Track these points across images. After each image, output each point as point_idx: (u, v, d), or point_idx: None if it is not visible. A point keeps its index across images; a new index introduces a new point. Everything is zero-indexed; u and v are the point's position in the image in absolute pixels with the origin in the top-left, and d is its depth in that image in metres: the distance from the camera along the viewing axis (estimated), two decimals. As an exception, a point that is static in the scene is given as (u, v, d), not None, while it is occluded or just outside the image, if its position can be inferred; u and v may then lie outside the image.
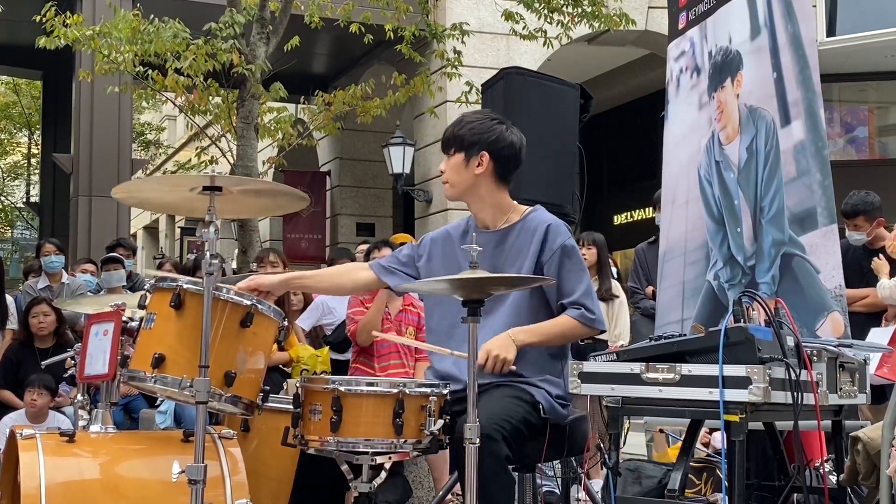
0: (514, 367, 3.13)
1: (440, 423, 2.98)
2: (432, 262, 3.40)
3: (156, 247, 27.17)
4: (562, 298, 3.23)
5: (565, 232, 3.30)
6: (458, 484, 3.88)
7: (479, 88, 6.30)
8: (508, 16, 10.02)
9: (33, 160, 24.10)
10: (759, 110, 4.49)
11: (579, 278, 3.23)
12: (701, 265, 4.85)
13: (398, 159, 12.77)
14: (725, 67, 4.73)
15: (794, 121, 4.29)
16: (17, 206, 27.46)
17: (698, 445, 4.31)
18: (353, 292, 5.10)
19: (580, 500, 4.53)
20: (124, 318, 3.43)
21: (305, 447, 3.03)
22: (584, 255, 6.61)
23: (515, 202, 3.39)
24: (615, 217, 16.30)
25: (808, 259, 4.21)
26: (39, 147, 19.83)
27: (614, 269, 7.24)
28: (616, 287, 6.77)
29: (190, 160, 21.77)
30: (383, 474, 3.10)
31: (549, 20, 9.94)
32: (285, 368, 6.07)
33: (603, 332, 3.35)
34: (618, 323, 6.65)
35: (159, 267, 8.57)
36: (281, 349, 6.08)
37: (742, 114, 4.60)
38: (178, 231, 24.91)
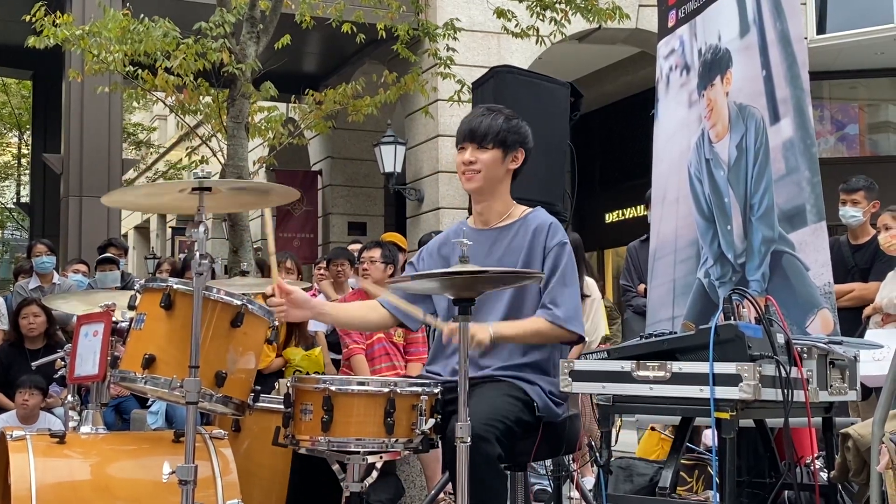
0: (485, 347, 3.11)
1: (431, 422, 2.98)
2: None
3: (147, 247, 27.12)
4: (544, 298, 3.24)
5: (564, 233, 3.33)
6: (451, 483, 3.88)
7: (470, 87, 6.30)
8: (500, 14, 10.02)
9: (23, 160, 24.03)
10: (748, 108, 4.50)
11: (563, 281, 3.23)
12: (691, 263, 4.86)
13: (389, 158, 12.77)
14: (715, 65, 4.74)
15: (783, 118, 4.30)
16: (8, 206, 27.38)
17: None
18: (379, 329, 5.12)
19: (572, 498, 4.53)
20: (114, 319, 3.43)
21: (296, 447, 3.02)
22: None
23: (515, 201, 3.40)
24: (607, 215, 16.31)
25: (798, 256, 4.22)
26: (29, 147, 19.77)
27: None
28: (588, 286, 6.66)
29: (181, 160, 21.75)
30: (375, 473, 3.10)
31: (541, 18, 9.94)
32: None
33: (581, 337, 3.31)
34: (588, 323, 6.53)
35: (157, 267, 8.55)
36: (278, 354, 6.09)
37: (731, 111, 4.60)
38: (169, 231, 24.86)
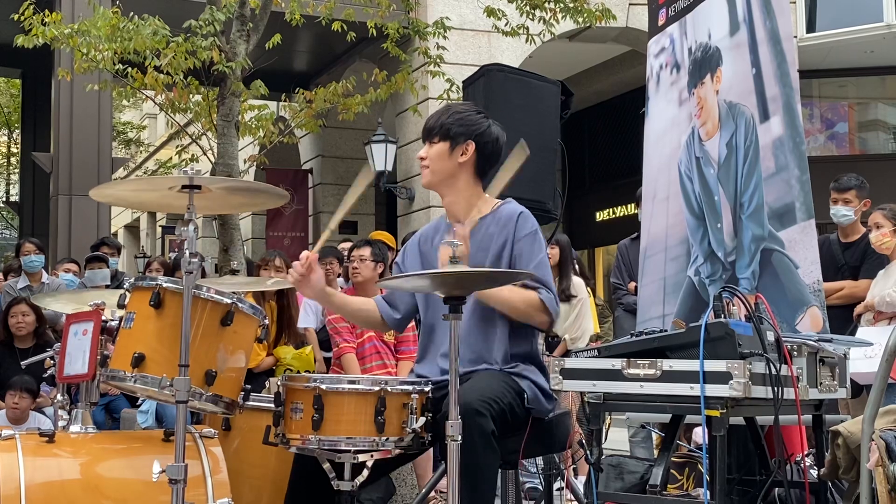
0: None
1: (422, 420, 2.98)
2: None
3: (137, 245, 27.05)
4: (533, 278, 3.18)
5: (535, 221, 3.31)
6: (442, 481, 3.88)
7: (461, 85, 6.28)
8: (490, 12, 10.02)
9: (13, 159, 23.96)
10: (738, 106, 4.51)
11: (544, 268, 3.22)
12: (682, 261, 4.87)
13: (380, 157, 12.75)
14: (705, 63, 4.75)
15: (773, 116, 4.31)
16: (-3, 205, 27.28)
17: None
18: (374, 326, 5.00)
19: (562, 488, 4.53)
20: (104, 318, 3.41)
21: (287, 446, 3.02)
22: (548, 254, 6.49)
23: (486, 195, 3.39)
24: (597, 213, 16.33)
25: (787, 254, 4.23)
26: (19, 146, 19.70)
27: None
28: (575, 287, 6.62)
29: (170, 158, 21.70)
30: (366, 472, 3.09)
31: (531, 17, 9.95)
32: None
33: (552, 324, 3.27)
34: (575, 322, 6.47)
35: (147, 266, 8.51)
36: (269, 353, 6.07)
37: (722, 110, 4.61)
38: (159, 230, 24.82)
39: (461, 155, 3.29)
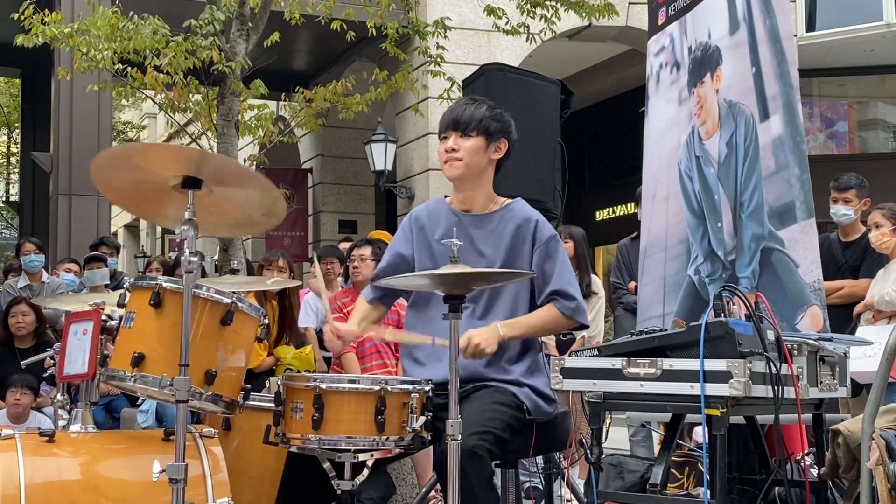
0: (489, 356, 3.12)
1: (422, 419, 2.98)
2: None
3: (137, 245, 27.04)
4: (546, 287, 3.23)
5: (551, 226, 3.34)
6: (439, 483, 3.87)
7: (461, 84, 6.29)
8: (491, 11, 10.02)
9: (13, 159, 23.96)
10: (738, 105, 4.51)
11: (564, 269, 3.25)
12: (682, 260, 4.87)
13: (380, 156, 12.76)
14: (705, 62, 4.75)
15: (773, 115, 4.31)
16: (-3, 205, 27.27)
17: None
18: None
19: (562, 496, 4.53)
20: (103, 317, 3.41)
21: (287, 445, 3.02)
22: None
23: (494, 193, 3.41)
24: (597, 213, 16.32)
25: (788, 253, 4.23)
26: (19, 145, 19.70)
27: None
28: (596, 283, 6.60)
29: (171, 158, 21.65)
30: (366, 471, 3.09)
31: (531, 15, 9.95)
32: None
33: (585, 325, 3.32)
34: (594, 321, 6.45)
35: (147, 266, 8.50)
36: (269, 353, 6.07)
37: (721, 109, 4.61)
38: (159, 230, 24.81)
39: (495, 151, 3.31)
